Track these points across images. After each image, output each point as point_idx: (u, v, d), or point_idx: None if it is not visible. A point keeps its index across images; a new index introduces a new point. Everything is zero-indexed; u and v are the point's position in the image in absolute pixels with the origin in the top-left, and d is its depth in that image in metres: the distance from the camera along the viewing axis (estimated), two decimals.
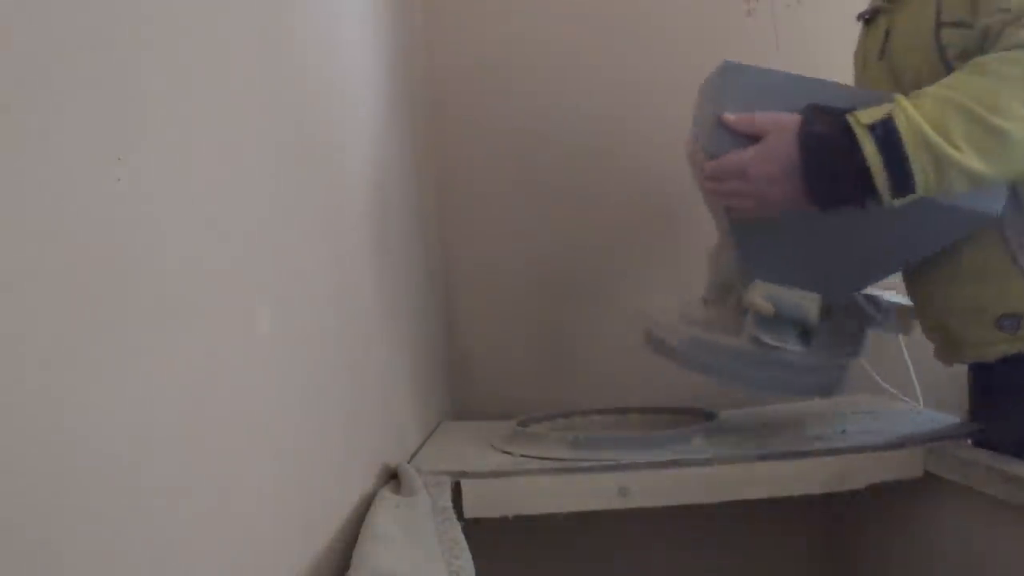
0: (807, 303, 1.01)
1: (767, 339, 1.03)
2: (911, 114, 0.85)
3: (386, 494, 0.85)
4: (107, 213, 0.38)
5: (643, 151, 1.63)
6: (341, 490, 0.77)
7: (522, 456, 1.10)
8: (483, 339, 1.63)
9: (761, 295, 1.02)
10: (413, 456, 1.12)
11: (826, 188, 0.89)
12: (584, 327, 1.62)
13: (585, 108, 1.64)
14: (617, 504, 1.02)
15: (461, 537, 0.76)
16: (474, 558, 0.72)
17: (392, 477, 0.96)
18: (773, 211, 0.94)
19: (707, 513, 1.05)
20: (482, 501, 1.01)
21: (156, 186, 0.43)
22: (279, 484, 0.59)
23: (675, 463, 1.03)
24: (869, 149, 0.85)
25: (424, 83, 1.62)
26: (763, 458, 1.04)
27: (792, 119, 0.91)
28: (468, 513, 0.99)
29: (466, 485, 1.01)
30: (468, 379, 1.62)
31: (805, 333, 1.03)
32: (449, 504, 0.88)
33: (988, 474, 0.90)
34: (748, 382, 1.08)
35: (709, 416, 1.22)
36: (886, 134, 0.85)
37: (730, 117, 0.95)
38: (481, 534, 0.91)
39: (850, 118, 0.87)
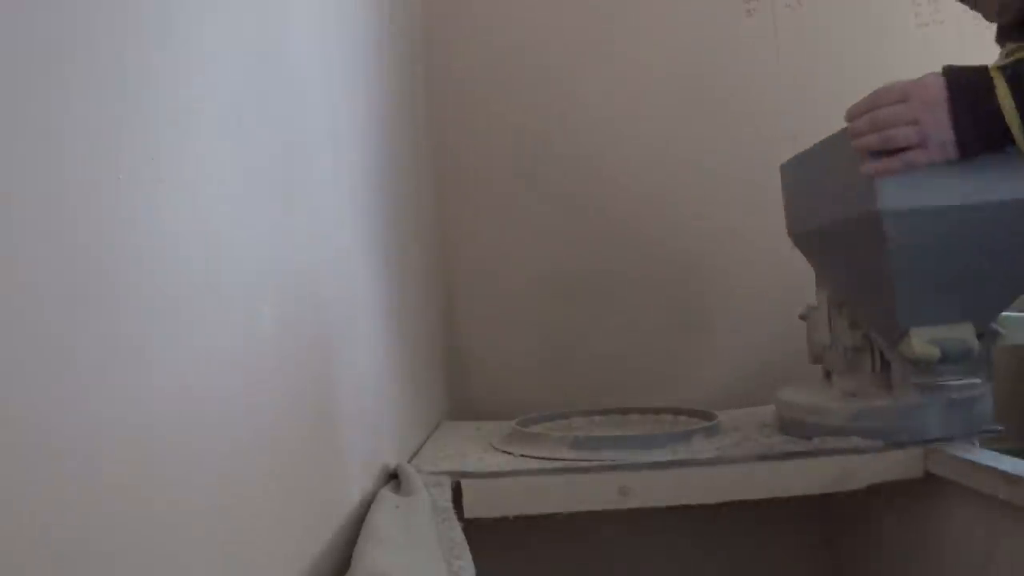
0: (966, 334, 0.99)
1: (935, 381, 1.02)
2: None
3: (386, 494, 0.85)
4: (107, 213, 0.38)
5: (644, 150, 1.63)
6: (341, 490, 0.77)
7: (522, 456, 1.10)
8: (483, 339, 1.63)
9: (923, 341, 0.98)
10: (413, 456, 1.12)
11: (970, 125, 0.90)
12: (584, 327, 1.62)
13: (585, 108, 1.64)
14: (617, 504, 1.02)
15: (461, 537, 0.76)
16: (474, 558, 0.72)
17: (392, 477, 0.96)
18: (926, 152, 0.92)
19: (707, 513, 1.05)
20: (482, 501, 1.01)
21: (156, 186, 0.43)
22: (279, 484, 0.59)
23: (675, 463, 1.03)
24: (1001, 89, 0.88)
25: (424, 83, 1.62)
26: (763, 458, 1.04)
27: (934, 77, 0.92)
28: (468, 513, 0.99)
29: (466, 485, 1.01)
30: (468, 379, 1.62)
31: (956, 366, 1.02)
32: (449, 504, 0.88)
33: (989, 474, 0.90)
34: (933, 430, 1.04)
35: (709, 416, 1.22)
36: (1016, 75, 0.87)
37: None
38: (481, 534, 0.91)
39: (990, 66, 0.90)
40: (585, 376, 1.61)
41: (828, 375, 1.18)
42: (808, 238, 1.13)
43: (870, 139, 0.94)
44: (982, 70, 0.90)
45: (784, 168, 1.18)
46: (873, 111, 0.94)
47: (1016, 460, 0.91)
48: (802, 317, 1.21)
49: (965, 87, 0.90)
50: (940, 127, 0.91)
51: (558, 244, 1.63)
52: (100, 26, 0.39)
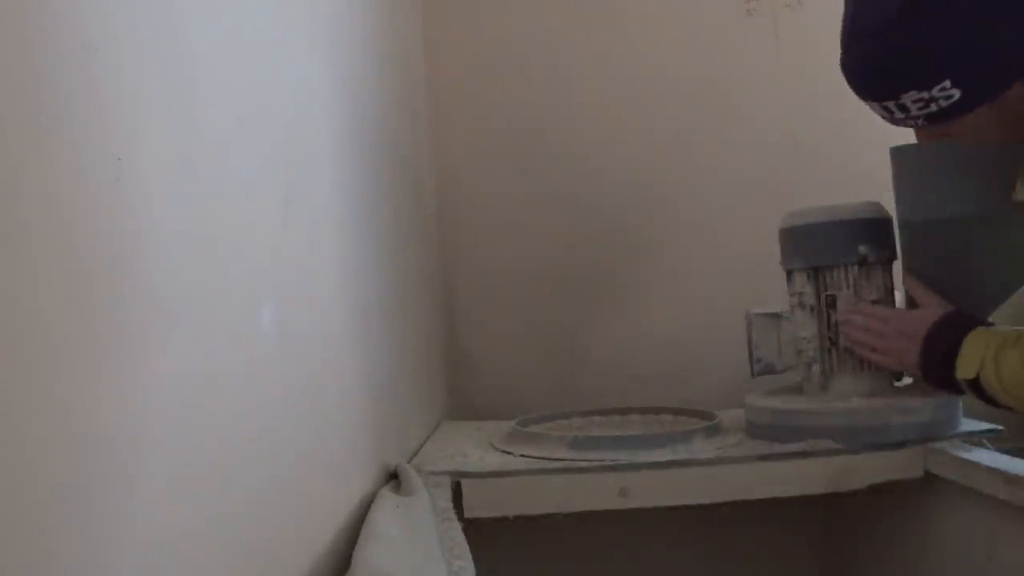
0: None
1: None
2: (996, 381, 0.94)
3: (386, 494, 0.85)
4: (107, 213, 0.38)
5: (644, 150, 1.63)
6: (341, 490, 0.77)
7: (522, 456, 1.10)
8: (483, 339, 1.63)
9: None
10: (413, 456, 1.12)
11: (933, 378, 1.03)
12: (584, 327, 1.62)
13: (585, 108, 1.64)
14: (617, 504, 1.01)
15: (462, 537, 0.76)
16: (474, 558, 0.72)
17: (392, 477, 0.96)
18: (888, 361, 1.08)
19: (707, 513, 1.05)
20: (482, 501, 1.01)
21: (156, 186, 0.43)
22: (279, 484, 0.59)
23: (675, 463, 1.03)
24: (966, 393, 0.99)
25: (424, 83, 1.62)
26: (763, 458, 1.04)
27: (934, 315, 1.03)
28: (468, 513, 0.99)
29: (466, 485, 1.01)
30: (468, 379, 1.62)
31: None
32: (449, 504, 0.88)
33: (988, 474, 0.90)
34: (934, 429, 1.08)
35: (709, 416, 1.22)
36: (978, 392, 0.97)
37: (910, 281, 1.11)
38: (481, 534, 0.91)
39: (957, 368, 0.98)
40: (585, 376, 1.61)
41: (811, 379, 1.16)
42: (938, 225, 1.09)
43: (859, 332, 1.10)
44: (951, 360, 0.98)
45: (902, 152, 1.12)
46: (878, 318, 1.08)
47: (1016, 460, 0.91)
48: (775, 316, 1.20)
49: (933, 361, 1.01)
50: (907, 359, 1.05)
51: (558, 244, 1.63)
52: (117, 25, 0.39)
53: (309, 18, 0.80)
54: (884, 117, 0.93)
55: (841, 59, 0.92)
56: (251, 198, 0.58)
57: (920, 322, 1.04)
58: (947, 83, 0.84)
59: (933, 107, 0.86)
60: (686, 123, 1.64)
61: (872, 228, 1.12)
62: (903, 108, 0.88)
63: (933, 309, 1.05)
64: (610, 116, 1.64)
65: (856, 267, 1.12)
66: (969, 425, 1.07)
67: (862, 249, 1.11)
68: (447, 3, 1.66)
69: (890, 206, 1.14)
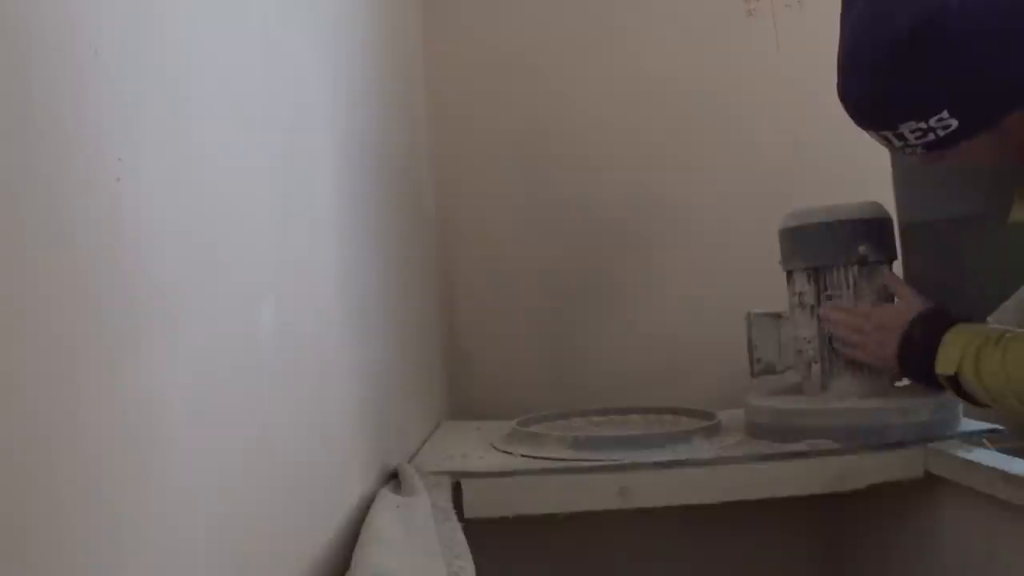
0: None
1: None
2: (975, 379, 0.94)
3: (386, 494, 0.85)
4: (107, 213, 0.38)
5: (643, 151, 1.63)
6: (341, 490, 0.77)
7: (522, 456, 1.10)
8: (483, 339, 1.63)
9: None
10: (413, 456, 1.12)
11: (911, 371, 1.04)
12: (584, 327, 1.62)
13: (585, 109, 1.64)
14: (617, 504, 1.02)
15: (462, 537, 0.76)
16: (474, 558, 0.72)
17: (392, 477, 0.96)
18: (865, 354, 1.08)
19: (707, 513, 1.05)
20: (482, 501, 1.01)
21: (156, 186, 0.43)
22: (279, 484, 0.59)
23: (675, 463, 1.03)
24: (946, 388, 0.99)
25: (424, 84, 1.62)
26: (763, 458, 1.04)
27: (914, 309, 1.03)
28: (468, 513, 1.00)
29: (466, 485, 1.01)
30: (468, 379, 1.62)
31: None
32: (449, 504, 0.88)
33: (989, 474, 0.90)
34: (934, 429, 1.08)
35: (709, 416, 1.22)
36: (957, 387, 0.97)
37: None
38: (481, 534, 0.91)
39: (936, 363, 0.97)
40: (585, 376, 1.61)
41: (811, 379, 1.16)
42: (938, 225, 1.11)
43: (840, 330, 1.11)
44: (932, 353, 0.98)
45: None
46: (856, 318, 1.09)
47: (1016, 460, 0.91)
48: (778, 316, 1.20)
49: (913, 353, 1.01)
50: (885, 352, 1.05)
51: (558, 244, 1.63)
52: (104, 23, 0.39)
53: (312, 20, 0.80)
54: (883, 145, 0.93)
55: (838, 89, 0.92)
56: (251, 198, 0.58)
57: (900, 315, 1.04)
58: (944, 113, 0.84)
59: (931, 136, 0.86)
60: (686, 124, 1.64)
61: (872, 228, 1.12)
62: (901, 138, 0.89)
63: (914, 303, 1.04)
64: (609, 117, 1.64)
65: (856, 267, 1.12)
66: (969, 425, 1.08)
67: (862, 249, 1.11)
68: (447, 6, 1.66)
69: (890, 206, 1.14)
